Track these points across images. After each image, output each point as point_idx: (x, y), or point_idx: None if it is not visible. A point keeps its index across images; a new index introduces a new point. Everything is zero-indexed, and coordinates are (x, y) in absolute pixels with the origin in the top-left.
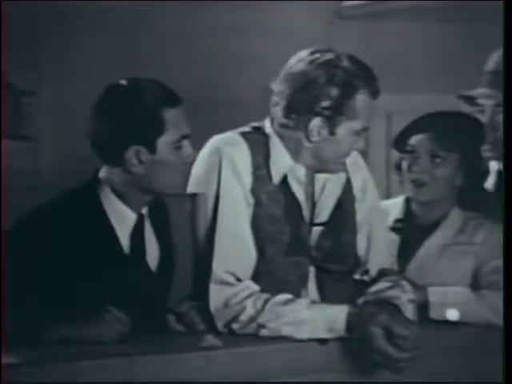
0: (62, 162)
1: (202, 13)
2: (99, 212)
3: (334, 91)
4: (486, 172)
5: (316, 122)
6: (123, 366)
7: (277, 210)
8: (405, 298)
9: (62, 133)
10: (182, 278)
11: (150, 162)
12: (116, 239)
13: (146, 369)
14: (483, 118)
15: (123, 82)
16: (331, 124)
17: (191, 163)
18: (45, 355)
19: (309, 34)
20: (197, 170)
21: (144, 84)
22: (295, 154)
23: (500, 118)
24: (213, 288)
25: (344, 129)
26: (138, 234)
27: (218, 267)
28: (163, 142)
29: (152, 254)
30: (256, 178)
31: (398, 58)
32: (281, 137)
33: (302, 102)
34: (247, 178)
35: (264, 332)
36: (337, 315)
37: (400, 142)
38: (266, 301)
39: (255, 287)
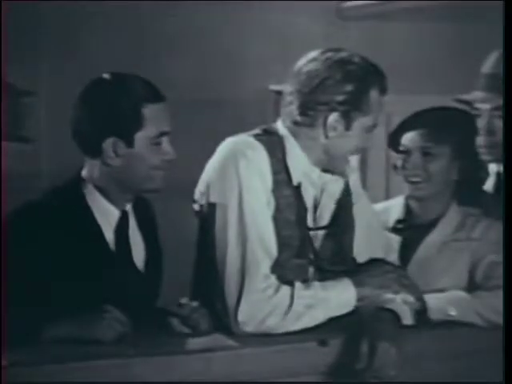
0: (61, 163)
1: (200, 13)
2: (85, 209)
3: (350, 87)
4: (482, 164)
5: (334, 117)
6: (122, 367)
7: (291, 214)
8: (399, 300)
9: (62, 134)
10: (182, 279)
11: (126, 155)
12: (102, 236)
13: (145, 370)
14: (480, 122)
15: (107, 75)
16: (348, 119)
17: (170, 160)
18: (44, 356)
19: (309, 34)
20: (216, 172)
21: (127, 78)
22: (308, 150)
23: (497, 121)
24: (250, 289)
25: (358, 124)
26: (122, 231)
27: (259, 269)
28: (141, 136)
29: (138, 251)
30: (275, 182)
31: (399, 58)
32: (295, 136)
33: (319, 98)
34: (268, 182)
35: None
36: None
37: (394, 142)
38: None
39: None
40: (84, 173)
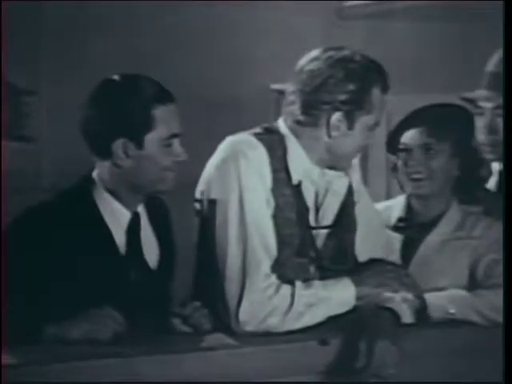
0: (62, 162)
1: (201, 12)
2: (94, 211)
3: (353, 85)
4: (482, 161)
5: (337, 117)
6: (123, 366)
7: (292, 213)
8: (399, 298)
9: (62, 133)
10: (185, 279)
11: (137, 156)
12: (112, 238)
13: (146, 369)
14: (483, 120)
15: (117, 77)
16: (351, 118)
17: (181, 162)
18: (44, 355)
19: (310, 34)
20: (217, 171)
21: (137, 80)
22: (310, 150)
23: (500, 120)
24: (250, 289)
25: (361, 123)
26: (133, 232)
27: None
28: (151, 138)
29: (150, 251)
30: (275, 181)
31: (399, 57)
32: (297, 135)
33: (322, 98)
34: (268, 181)
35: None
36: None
37: (393, 144)
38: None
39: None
40: (94, 174)
